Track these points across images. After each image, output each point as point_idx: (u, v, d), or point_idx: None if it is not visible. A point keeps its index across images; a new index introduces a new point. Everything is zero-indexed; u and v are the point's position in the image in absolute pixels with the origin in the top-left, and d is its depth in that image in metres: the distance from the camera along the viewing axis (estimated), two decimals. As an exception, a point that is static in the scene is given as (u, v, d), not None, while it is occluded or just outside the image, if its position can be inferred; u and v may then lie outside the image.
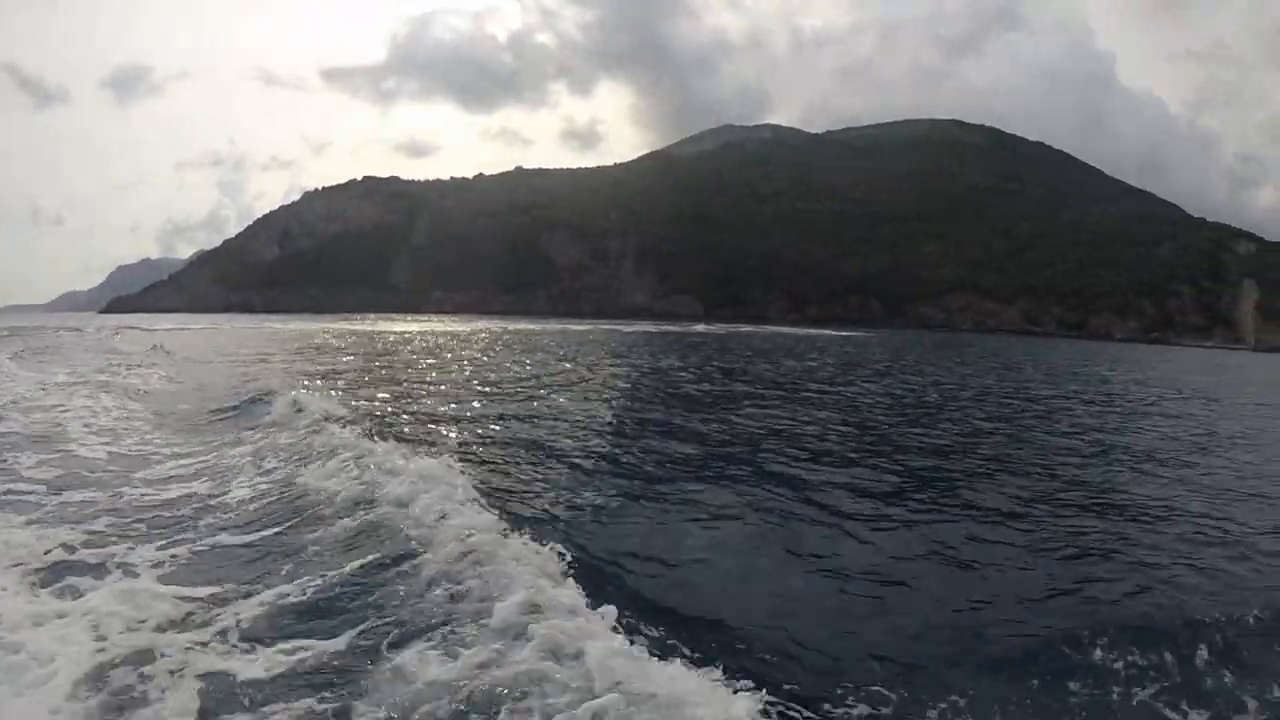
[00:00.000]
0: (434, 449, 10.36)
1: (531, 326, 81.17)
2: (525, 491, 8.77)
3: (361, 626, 4.97)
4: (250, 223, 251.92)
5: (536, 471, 9.84)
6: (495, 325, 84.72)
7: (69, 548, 6.19)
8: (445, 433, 12.50)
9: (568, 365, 28.88)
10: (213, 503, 7.99)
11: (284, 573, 5.93)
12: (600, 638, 4.63)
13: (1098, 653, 5.26)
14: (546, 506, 8.20)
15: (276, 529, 7.07)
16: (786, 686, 4.66)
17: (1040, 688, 4.91)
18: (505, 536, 6.35)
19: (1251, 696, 4.90)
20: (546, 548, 6.15)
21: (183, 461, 10.05)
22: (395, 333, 59.12)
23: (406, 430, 12.30)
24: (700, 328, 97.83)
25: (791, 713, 4.40)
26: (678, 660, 4.60)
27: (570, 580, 5.55)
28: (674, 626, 5.43)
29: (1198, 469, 12.31)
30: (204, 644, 4.68)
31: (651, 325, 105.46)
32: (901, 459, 11.97)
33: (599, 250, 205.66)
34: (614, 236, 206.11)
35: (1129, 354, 71.56)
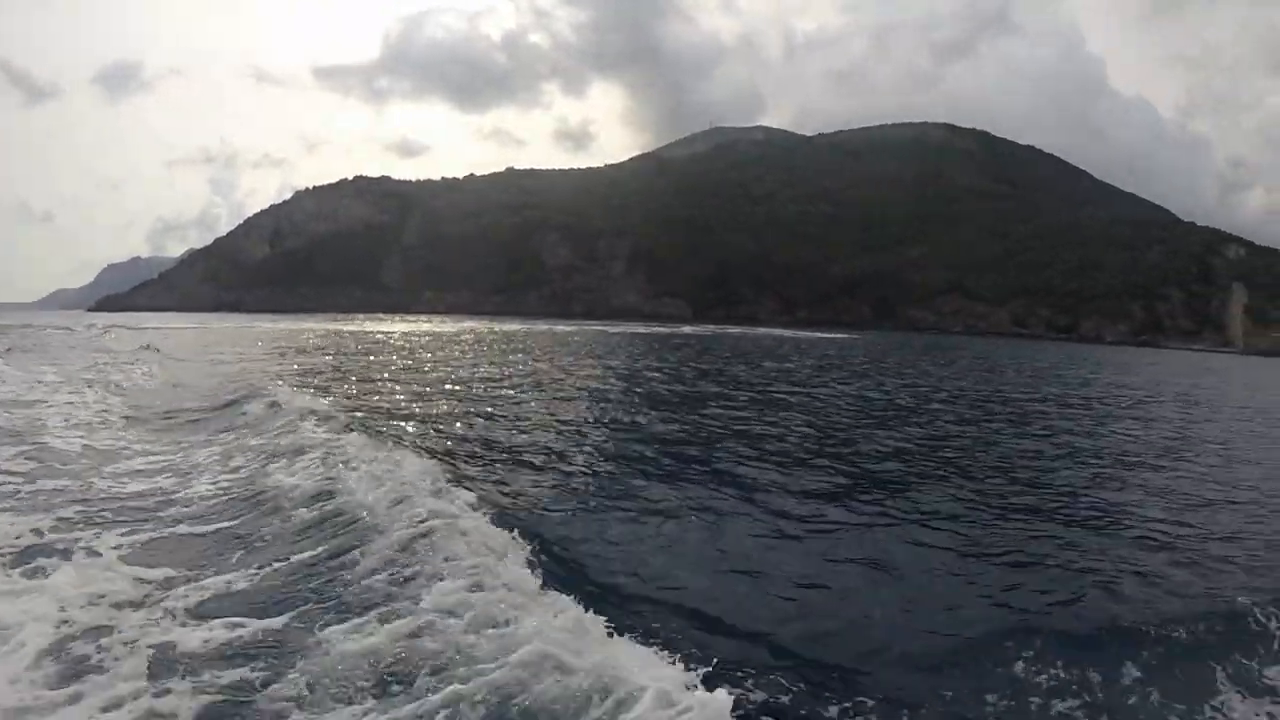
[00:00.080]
0: (399, 444, 10.74)
1: (518, 327, 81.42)
2: (480, 481, 9.17)
3: (302, 607, 5.42)
4: (241, 221, 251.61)
5: (492, 465, 10.25)
6: (482, 326, 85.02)
7: (38, 532, 6.67)
8: (410, 429, 12.92)
9: (543, 366, 29.30)
10: (176, 495, 8.45)
11: (235, 559, 6.40)
12: (535, 612, 5.02)
13: (1019, 665, 5.22)
14: (498, 496, 8.59)
15: (236, 520, 7.53)
16: (711, 664, 4.81)
17: (954, 698, 4.86)
18: (456, 521, 6.80)
19: (1177, 717, 4.85)
20: (497, 531, 6.61)
21: (153, 457, 10.47)
22: (382, 333, 59.41)
23: (374, 427, 12.65)
24: (688, 329, 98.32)
25: (713, 681, 4.55)
26: (613, 634, 4.92)
27: (514, 562, 5.97)
28: (612, 605, 5.74)
29: (1162, 473, 12.28)
30: (156, 620, 5.14)
31: (640, 326, 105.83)
32: (856, 461, 12.05)
33: (590, 251, 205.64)
34: (605, 237, 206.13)
35: (1116, 357, 71.39)
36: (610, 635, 4.93)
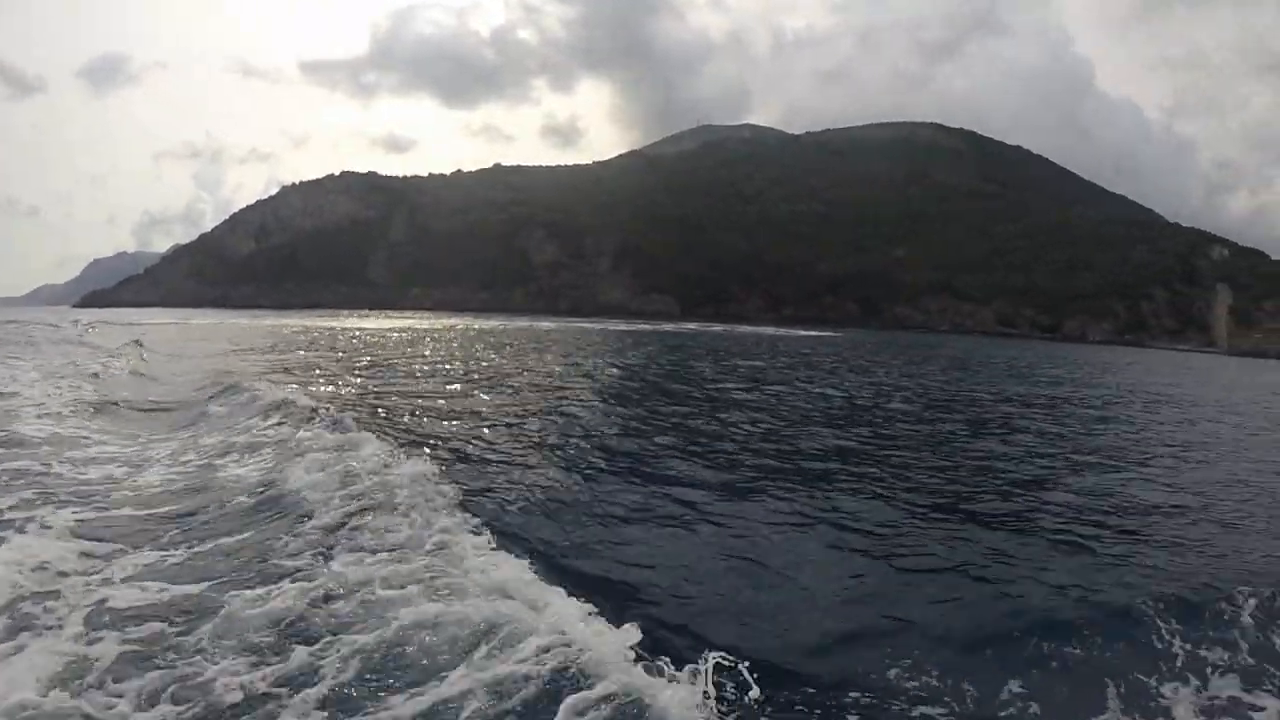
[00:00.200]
0: (356, 432, 11.26)
1: (500, 324, 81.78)
2: (425, 459, 9.60)
3: (224, 577, 6.07)
4: (227, 217, 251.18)
5: (437, 449, 10.63)
6: (466, 323, 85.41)
7: (-3, 510, 7.24)
8: (370, 419, 13.35)
9: (503, 361, 29.72)
10: (128, 481, 9.11)
11: (169, 537, 7.07)
12: (455, 575, 5.73)
13: (893, 670, 5.20)
14: (438, 477, 9.02)
15: (179, 504, 8.18)
16: (657, 632, 5.28)
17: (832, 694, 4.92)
18: (394, 496, 7.68)
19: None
20: (430, 506, 7.36)
21: (113, 447, 11.14)
22: (365, 329, 59.71)
23: (333, 418, 12.93)
24: (670, 327, 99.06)
25: (660, 648, 4.88)
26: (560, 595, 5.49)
27: (441, 529, 6.68)
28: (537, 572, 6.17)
29: (1109, 475, 12.02)
30: (94, 587, 5.81)
31: (624, 324, 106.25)
32: (792, 458, 12.08)
33: (577, 248, 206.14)
34: (592, 234, 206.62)
35: (1097, 356, 71.16)
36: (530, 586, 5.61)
